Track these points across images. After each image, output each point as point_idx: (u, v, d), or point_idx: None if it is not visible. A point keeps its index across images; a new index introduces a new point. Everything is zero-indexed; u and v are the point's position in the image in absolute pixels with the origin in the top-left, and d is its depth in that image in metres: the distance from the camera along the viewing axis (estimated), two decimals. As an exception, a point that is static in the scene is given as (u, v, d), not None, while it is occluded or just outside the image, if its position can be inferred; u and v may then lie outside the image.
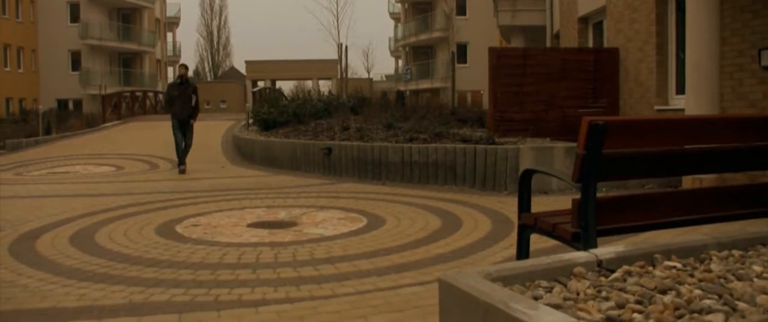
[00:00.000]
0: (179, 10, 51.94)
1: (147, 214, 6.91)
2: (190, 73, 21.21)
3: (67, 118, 25.22)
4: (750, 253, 2.28)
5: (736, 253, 2.27)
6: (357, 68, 71.00)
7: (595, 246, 2.65)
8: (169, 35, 51.14)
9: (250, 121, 17.12)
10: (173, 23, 51.67)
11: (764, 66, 7.00)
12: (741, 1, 7.33)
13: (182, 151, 11.27)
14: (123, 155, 14.53)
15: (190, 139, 11.54)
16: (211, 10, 64.83)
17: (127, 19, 40.72)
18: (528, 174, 3.53)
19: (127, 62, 41.08)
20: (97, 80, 35.23)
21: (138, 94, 29.65)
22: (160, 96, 33.05)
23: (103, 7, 38.72)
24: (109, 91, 29.19)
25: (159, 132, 19.92)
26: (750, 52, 7.21)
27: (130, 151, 15.32)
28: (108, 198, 8.12)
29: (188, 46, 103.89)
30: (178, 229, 6.04)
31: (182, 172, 11.02)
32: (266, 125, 14.74)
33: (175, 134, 11.37)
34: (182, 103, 11.33)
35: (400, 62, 51.25)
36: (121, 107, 26.29)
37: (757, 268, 2.06)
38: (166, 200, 7.95)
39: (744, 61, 7.31)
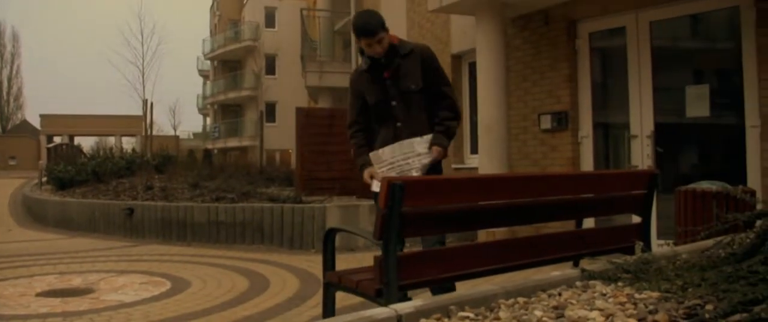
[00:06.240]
0: (-38, 58, 47.26)
1: None
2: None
3: None
4: (533, 299, 2.48)
5: (522, 300, 2.46)
6: (163, 125, 68.39)
7: (396, 301, 2.75)
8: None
9: (44, 179, 16.02)
10: (-46, 71, 46.83)
11: (543, 129, 7.78)
12: (523, 71, 8.13)
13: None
14: None
15: None
16: (2, 58, 59.70)
17: None
18: (332, 233, 3.59)
19: None
20: None
21: None
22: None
23: None
24: None
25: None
26: (532, 116, 7.99)
27: None
28: None
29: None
30: (-50, 303, 5.36)
31: None
32: (62, 184, 13.84)
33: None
34: (407, 120, 4.03)
35: (209, 120, 50.31)
36: None
37: (538, 313, 2.25)
38: (-64, 270, 7.05)
39: (527, 124, 8.07)
